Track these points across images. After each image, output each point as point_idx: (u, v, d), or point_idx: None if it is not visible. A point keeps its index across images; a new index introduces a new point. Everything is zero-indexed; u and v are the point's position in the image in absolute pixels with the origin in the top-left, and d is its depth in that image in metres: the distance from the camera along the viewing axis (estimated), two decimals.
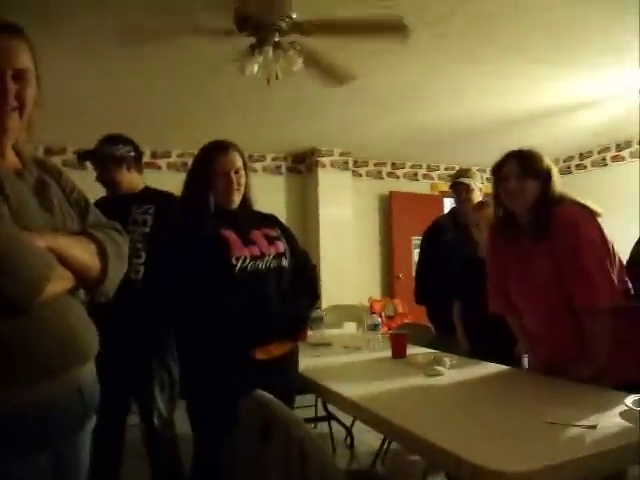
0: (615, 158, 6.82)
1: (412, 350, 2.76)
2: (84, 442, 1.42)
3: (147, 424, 2.73)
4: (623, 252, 2.18)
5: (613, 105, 5.09)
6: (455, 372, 2.30)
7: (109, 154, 2.70)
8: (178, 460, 2.78)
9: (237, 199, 2.17)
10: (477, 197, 3.45)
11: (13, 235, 1.11)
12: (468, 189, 3.47)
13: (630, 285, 2.10)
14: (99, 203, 2.62)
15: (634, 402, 1.61)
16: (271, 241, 2.17)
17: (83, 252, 1.28)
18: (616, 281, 2.01)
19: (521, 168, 2.14)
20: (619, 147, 6.76)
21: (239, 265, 2.02)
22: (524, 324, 2.31)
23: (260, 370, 2.00)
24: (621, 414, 1.58)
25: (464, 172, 3.60)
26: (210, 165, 2.14)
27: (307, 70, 3.42)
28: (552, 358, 2.20)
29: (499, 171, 2.23)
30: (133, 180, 2.77)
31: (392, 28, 3.07)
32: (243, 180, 2.18)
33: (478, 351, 2.73)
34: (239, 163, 2.16)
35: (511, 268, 2.28)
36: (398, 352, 2.65)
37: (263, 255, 2.10)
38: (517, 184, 2.14)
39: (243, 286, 2.02)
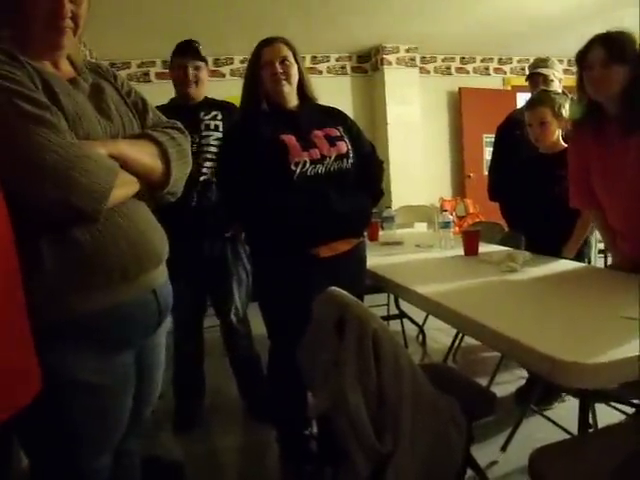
0: None
1: (484, 248, 2.72)
2: (160, 342, 1.49)
3: (224, 321, 2.86)
4: None
5: None
6: (529, 268, 2.26)
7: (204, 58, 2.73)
8: (255, 354, 2.94)
9: (287, 89, 2.13)
10: (556, 89, 3.24)
11: (73, 146, 1.11)
12: (546, 80, 3.26)
13: None
14: (165, 109, 2.68)
15: None
16: (332, 142, 2.13)
17: (145, 155, 1.29)
18: None
19: (607, 53, 1.94)
20: None
21: (298, 170, 2.02)
22: (607, 220, 2.23)
23: (326, 267, 2.04)
24: None
25: (542, 62, 3.38)
26: (257, 60, 2.13)
27: None
28: (637, 255, 2.12)
29: (583, 58, 2.03)
30: (202, 88, 2.77)
31: None
32: (292, 70, 2.13)
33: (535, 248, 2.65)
34: (285, 52, 2.11)
35: (596, 162, 2.15)
36: (470, 249, 2.62)
37: (324, 158, 2.08)
38: (601, 72, 1.96)
39: (303, 190, 2.02)
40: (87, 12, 1.26)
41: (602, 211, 2.23)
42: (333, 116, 2.28)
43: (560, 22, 5.63)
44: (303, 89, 2.21)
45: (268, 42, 2.14)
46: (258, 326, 2.50)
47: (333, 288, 1.60)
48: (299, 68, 2.17)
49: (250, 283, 2.84)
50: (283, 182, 2.01)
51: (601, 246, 2.64)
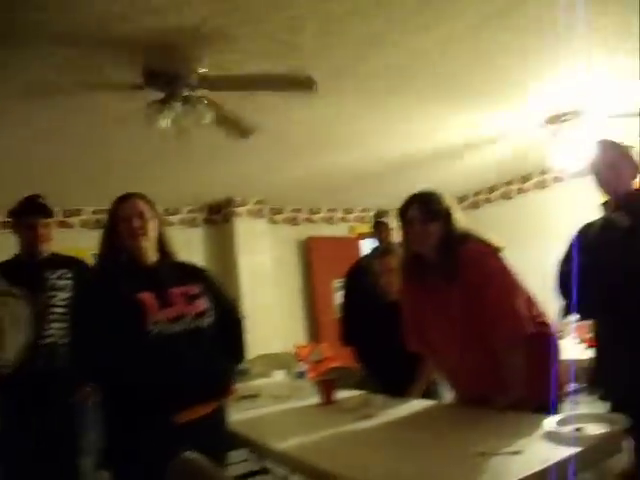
0: (520, 190, 7.09)
1: (342, 394, 2.74)
2: None
3: None
4: (530, 280, 2.27)
5: (516, 139, 5.34)
6: (385, 412, 2.30)
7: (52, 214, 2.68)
8: None
9: (145, 245, 2.10)
10: (398, 237, 3.55)
11: None
12: (388, 228, 3.57)
13: (540, 312, 2.22)
14: (8, 266, 2.53)
15: (558, 423, 1.66)
16: (191, 300, 2.10)
17: None
18: (524, 312, 2.10)
19: (423, 212, 2.22)
20: (523, 179, 7.01)
21: (155, 330, 1.95)
22: (443, 360, 2.37)
23: (183, 433, 1.93)
24: (544, 436, 1.63)
25: (384, 212, 3.73)
26: (114, 216, 2.11)
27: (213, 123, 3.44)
28: (473, 390, 2.25)
29: (404, 215, 2.30)
30: (50, 244, 2.68)
31: (299, 83, 3.14)
32: (150, 225, 2.11)
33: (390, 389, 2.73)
34: (142, 207, 2.11)
35: (425, 307, 2.34)
36: (327, 398, 2.63)
37: (181, 316, 2.03)
38: (420, 228, 2.22)
39: (159, 350, 1.95)
40: None
41: (437, 352, 2.37)
42: (193, 273, 2.25)
43: (391, 176, 6.25)
44: (162, 244, 2.20)
45: (125, 198, 2.13)
46: None
47: (188, 454, 1.52)
48: (158, 223, 2.17)
49: (94, 452, 2.62)
50: (139, 342, 1.93)
51: None
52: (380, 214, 3.74)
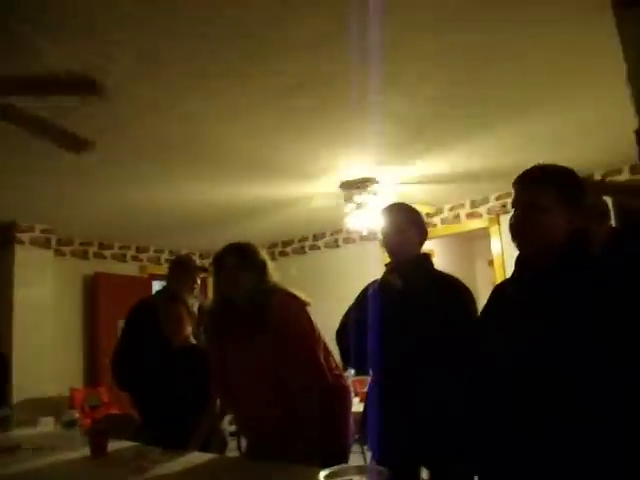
0: (312, 247, 7.65)
1: (116, 445, 2.56)
2: None
3: None
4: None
5: (311, 200, 5.66)
6: (162, 465, 2.20)
7: None
8: None
9: None
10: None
11: None
12: (198, 274, 3.52)
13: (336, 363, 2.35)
14: None
15: (327, 476, 1.70)
16: None
17: None
18: (324, 363, 2.20)
19: (239, 260, 2.28)
20: (315, 237, 7.60)
21: None
22: (242, 408, 2.38)
23: None
24: None
25: (188, 257, 3.67)
26: None
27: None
28: (266, 440, 2.27)
29: (219, 262, 2.33)
30: None
31: (82, 85, 2.87)
32: None
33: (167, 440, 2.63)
34: None
35: (230, 353, 2.35)
36: (97, 451, 2.42)
37: None
38: (235, 275, 2.26)
39: None
40: None
41: (238, 400, 2.37)
42: None
43: (192, 221, 6.23)
44: None
45: None
46: None
47: None
48: None
49: None
50: None
51: None
52: (188, 259, 3.67)
